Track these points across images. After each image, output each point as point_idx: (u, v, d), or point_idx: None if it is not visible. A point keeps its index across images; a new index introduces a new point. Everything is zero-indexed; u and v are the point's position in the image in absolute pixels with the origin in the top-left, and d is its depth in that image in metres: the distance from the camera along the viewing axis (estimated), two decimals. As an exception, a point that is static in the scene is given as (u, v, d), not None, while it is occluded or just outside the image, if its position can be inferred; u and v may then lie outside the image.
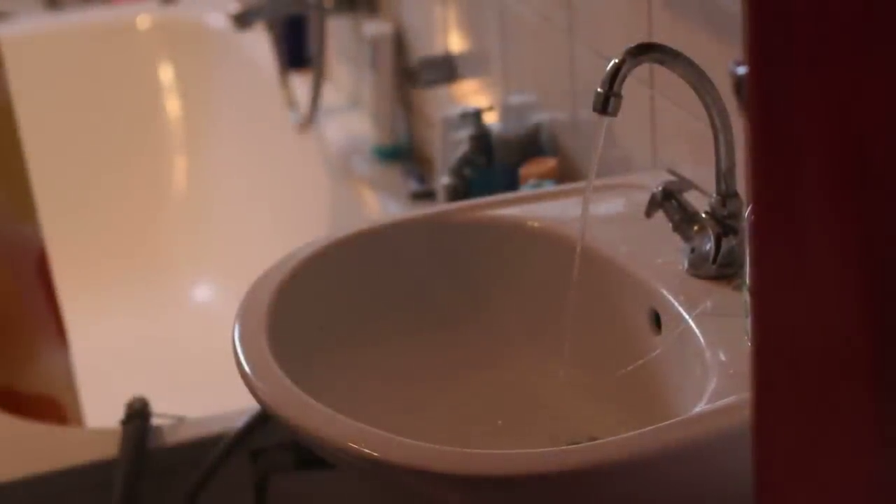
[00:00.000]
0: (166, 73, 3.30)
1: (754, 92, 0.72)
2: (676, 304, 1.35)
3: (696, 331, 1.31)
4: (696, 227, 1.40)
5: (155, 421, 1.86)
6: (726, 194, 1.38)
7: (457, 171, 1.96)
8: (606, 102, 1.34)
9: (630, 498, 1.22)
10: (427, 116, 2.43)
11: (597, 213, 1.50)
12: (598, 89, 1.34)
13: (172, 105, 3.30)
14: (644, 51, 1.36)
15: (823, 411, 0.74)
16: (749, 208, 1.24)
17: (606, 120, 1.35)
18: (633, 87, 1.49)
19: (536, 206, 1.58)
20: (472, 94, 2.22)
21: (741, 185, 1.38)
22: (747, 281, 1.26)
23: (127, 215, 3.22)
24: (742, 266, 1.34)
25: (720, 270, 1.38)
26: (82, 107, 3.24)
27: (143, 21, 3.32)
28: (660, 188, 1.40)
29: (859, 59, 0.68)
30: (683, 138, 1.56)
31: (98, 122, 3.25)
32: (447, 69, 2.26)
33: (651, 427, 1.21)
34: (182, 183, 3.27)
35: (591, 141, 1.38)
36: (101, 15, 3.42)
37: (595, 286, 1.45)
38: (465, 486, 1.19)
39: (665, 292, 1.37)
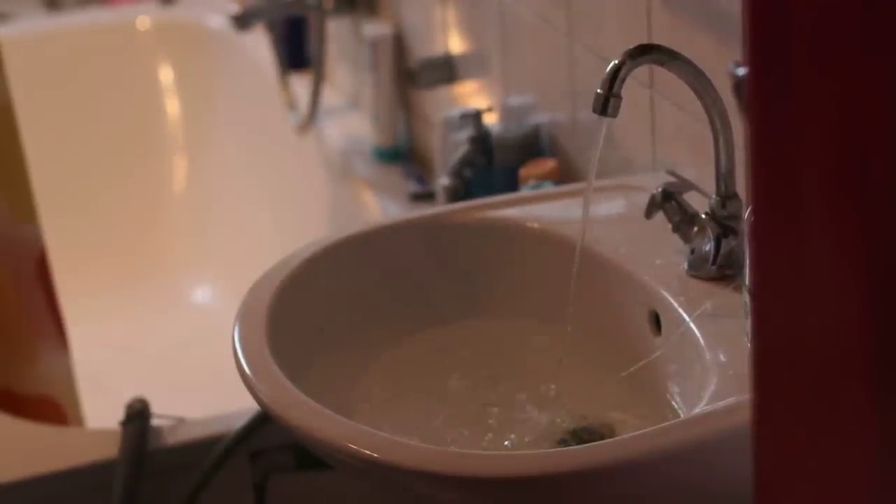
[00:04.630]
0: (166, 74, 3.30)
1: (754, 93, 0.72)
2: (676, 305, 1.35)
3: (696, 332, 1.31)
4: (695, 229, 1.40)
5: (155, 422, 1.86)
6: (726, 195, 1.38)
7: (456, 173, 1.96)
8: (606, 104, 1.34)
9: (630, 499, 1.22)
10: (427, 117, 2.43)
11: (597, 214, 1.50)
12: (598, 90, 1.34)
13: (172, 106, 3.30)
14: (644, 52, 1.36)
15: (823, 412, 0.74)
16: (749, 209, 1.24)
17: (606, 121, 1.35)
18: (633, 88, 1.49)
19: (536, 208, 1.58)
20: (472, 96, 2.22)
21: (741, 186, 1.38)
22: (747, 282, 1.26)
23: (127, 216, 3.22)
24: (742, 267, 1.34)
25: (720, 271, 1.38)
26: (82, 108, 3.24)
27: (143, 22, 3.32)
28: (659, 189, 1.41)
29: (859, 60, 0.68)
30: (683, 139, 1.56)
31: (98, 123, 3.25)
32: (447, 70, 2.26)
33: (651, 428, 1.21)
34: (182, 184, 3.27)
35: (591, 142, 1.39)
36: (101, 16, 3.42)
37: (595, 287, 1.45)
38: (464, 487, 1.19)
39: (665, 293, 1.37)
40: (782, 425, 0.76)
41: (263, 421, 1.82)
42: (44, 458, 1.82)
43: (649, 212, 1.41)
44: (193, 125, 3.27)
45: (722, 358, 1.26)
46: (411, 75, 2.29)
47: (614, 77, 1.33)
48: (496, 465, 1.19)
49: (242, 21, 2.72)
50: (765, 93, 0.72)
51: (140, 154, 3.27)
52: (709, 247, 1.38)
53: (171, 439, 1.85)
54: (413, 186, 2.39)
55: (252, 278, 1.46)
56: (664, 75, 1.42)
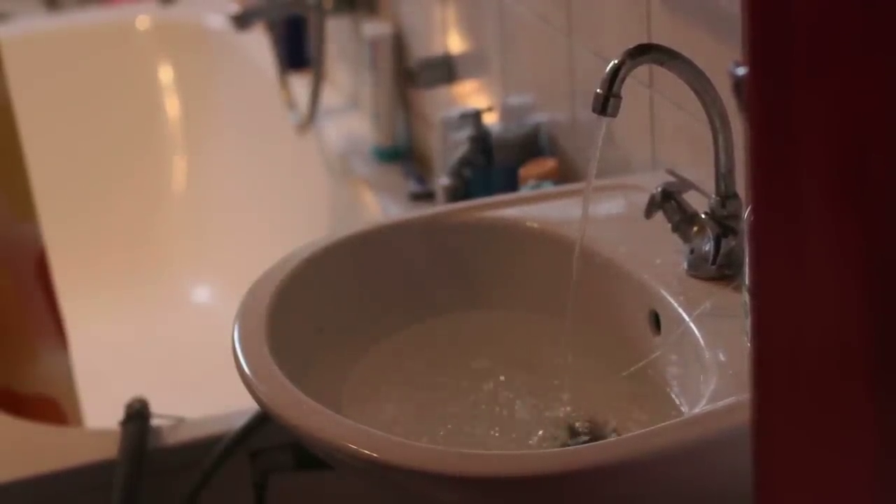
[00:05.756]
0: (166, 74, 3.30)
1: (754, 93, 0.72)
2: (676, 304, 1.35)
3: (696, 331, 1.31)
4: (695, 228, 1.40)
5: (154, 421, 1.86)
6: (726, 195, 1.38)
7: (456, 172, 1.96)
8: (605, 103, 1.34)
9: (630, 498, 1.22)
10: (426, 117, 2.43)
11: (596, 213, 1.50)
12: (598, 90, 1.34)
13: (172, 106, 3.30)
14: (643, 52, 1.36)
15: (823, 411, 0.74)
16: (748, 209, 1.24)
17: (605, 121, 1.35)
18: (633, 87, 1.49)
19: (536, 207, 1.58)
20: (472, 95, 2.22)
21: (741, 185, 1.38)
22: (747, 282, 1.26)
23: (126, 216, 3.22)
24: (741, 267, 1.34)
25: (720, 271, 1.38)
26: (82, 107, 3.24)
27: (143, 22, 3.32)
28: (659, 189, 1.41)
29: (858, 60, 0.68)
30: (683, 139, 1.56)
31: (98, 123, 3.25)
32: (446, 70, 2.26)
33: (651, 428, 1.21)
34: (181, 183, 3.27)
35: (591, 142, 1.39)
36: (101, 16, 3.42)
37: (595, 287, 1.45)
38: (464, 487, 1.19)
39: (665, 293, 1.37)
40: (782, 424, 0.76)
41: (263, 421, 1.82)
42: (43, 458, 1.82)
43: (649, 211, 1.41)
44: (193, 125, 3.27)
45: (722, 357, 1.26)
46: (411, 75, 2.29)
47: (614, 77, 1.33)
48: (497, 466, 1.19)
49: (242, 21, 2.73)
50: (764, 92, 0.72)
51: (140, 153, 3.27)
52: (708, 246, 1.38)
53: (171, 439, 1.85)
54: (413, 186, 2.39)
55: (252, 278, 1.46)
56: (664, 75, 1.42)
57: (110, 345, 2.86)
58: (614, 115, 1.34)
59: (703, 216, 1.39)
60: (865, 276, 0.71)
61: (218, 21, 3.16)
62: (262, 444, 1.84)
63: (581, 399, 1.42)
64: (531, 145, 1.95)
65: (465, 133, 1.99)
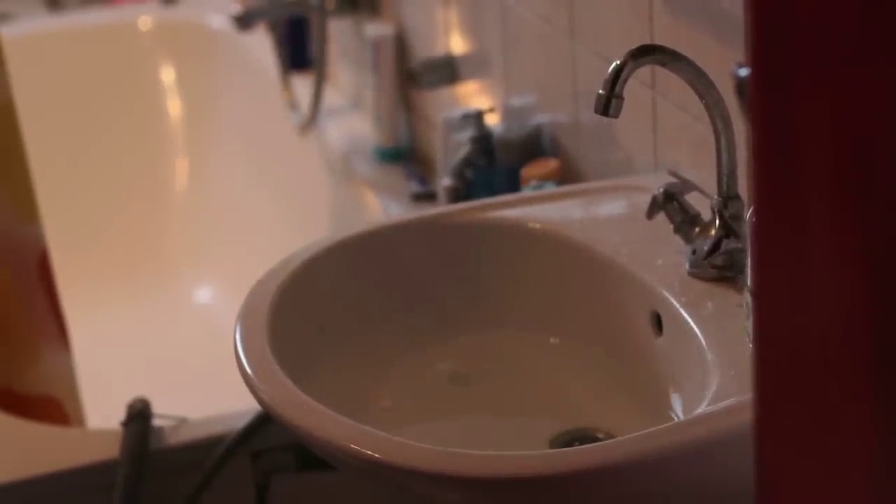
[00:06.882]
0: (168, 75, 3.30)
1: (756, 94, 0.72)
2: (678, 305, 1.35)
3: (698, 332, 1.31)
4: (697, 229, 1.40)
5: (156, 422, 1.86)
6: (728, 196, 1.38)
7: (458, 173, 1.96)
8: (608, 104, 1.34)
9: (631, 499, 1.22)
10: (428, 118, 2.43)
11: (598, 214, 1.50)
12: (600, 91, 1.34)
13: (174, 106, 3.30)
14: (645, 53, 1.36)
15: (824, 412, 0.74)
16: (751, 210, 1.24)
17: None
18: (635, 88, 1.49)
19: (538, 208, 1.58)
20: (474, 96, 2.22)
21: (743, 187, 1.38)
22: (748, 282, 1.26)
23: (128, 216, 3.22)
24: (743, 268, 1.34)
25: (721, 272, 1.38)
26: (84, 108, 3.24)
27: (145, 22, 3.32)
28: (661, 190, 1.41)
29: (862, 62, 0.68)
30: (685, 140, 1.56)
31: (99, 124, 3.25)
32: (448, 71, 2.26)
33: (653, 429, 1.21)
34: (183, 184, 3.27)
35: (593, 142, 1.39)
36: (103, 16, 3.42)
37: (596, 287, 1.45)
38: (465, 487, 1.19)
39: (666, 294, 1.37)
40: (783, 425, 0.76)
41: (265, 421, 1.82)
42: (45, 458, 1.82)
43: (651, 212, 1.42)
44: (195, 125, 3.27)
45: (723, 358, 1.26)
46: (413, 76, 2.29)
47: (616, 78, 1.34)
48: (498, 466, 1.19)
49: (244, 21, 2.73)
50: (767, 94, 0.72)
51: (141, 154, 3.27)
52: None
53: (173, 439, 1.85)
54: (414, 187, 2.39)
55: (253, 278, 1.46)
56: (666, 76, 1.42)
57: (112, 345, 2.86)
58: (616, 116, 1.34)
59: (705, 217, 1.39)
60: (867, 278, 0.71)
61: (220, 21, 3.16)
62: (263, 444, 1.84)
63: (582, 400, 1.42)
64: (533, 146, 1.95)
65: (467, 134, 1.99)
